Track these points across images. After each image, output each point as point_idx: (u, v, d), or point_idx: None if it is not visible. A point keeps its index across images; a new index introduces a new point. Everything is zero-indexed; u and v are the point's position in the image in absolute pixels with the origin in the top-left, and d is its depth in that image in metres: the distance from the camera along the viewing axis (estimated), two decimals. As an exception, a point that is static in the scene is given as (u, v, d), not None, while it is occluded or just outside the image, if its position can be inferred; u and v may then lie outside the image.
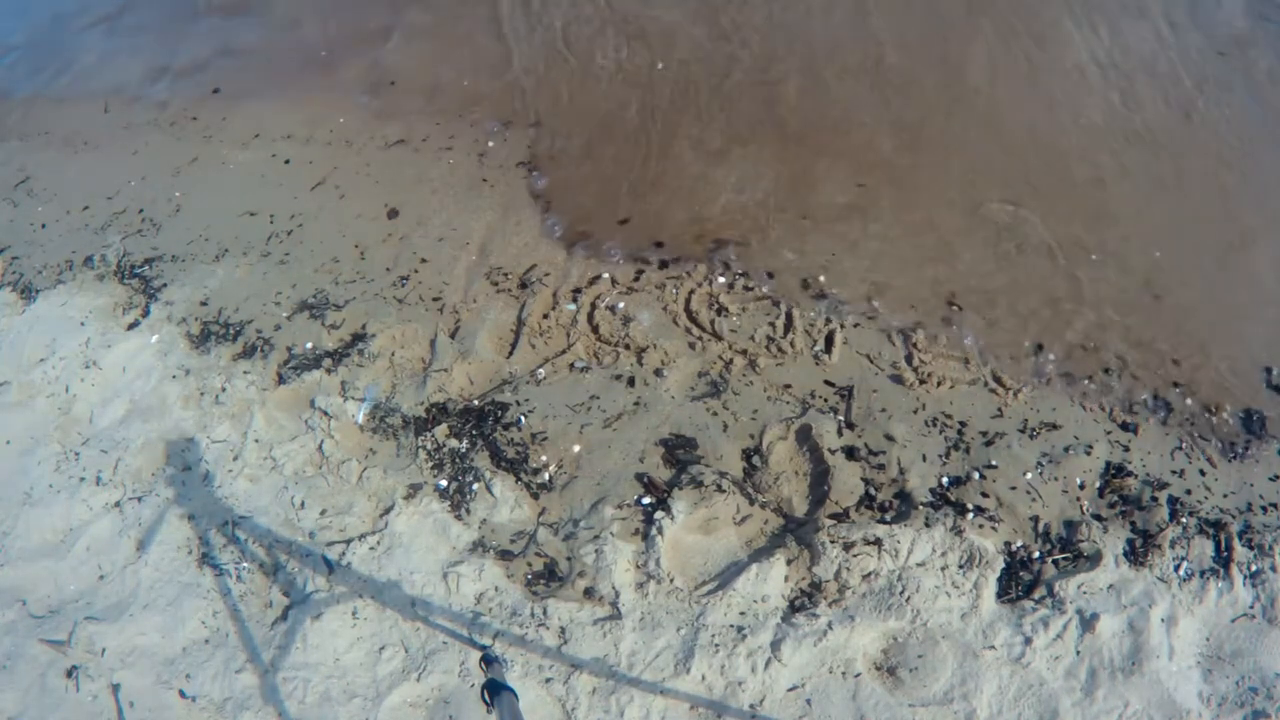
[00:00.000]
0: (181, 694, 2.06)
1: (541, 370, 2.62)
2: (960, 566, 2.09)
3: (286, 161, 3.60)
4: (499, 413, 2.53)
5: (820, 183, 3.16)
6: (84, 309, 3.07)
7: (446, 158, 3.46)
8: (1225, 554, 2.12)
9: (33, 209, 3.72)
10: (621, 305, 2.78)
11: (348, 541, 2.27)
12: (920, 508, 2.21)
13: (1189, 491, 2.25)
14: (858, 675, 1.96)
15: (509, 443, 2.45)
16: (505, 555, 2.22)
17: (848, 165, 3.21)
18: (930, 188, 3.10)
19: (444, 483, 2.38)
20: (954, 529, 2.15)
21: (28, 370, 2.88)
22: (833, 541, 2.13)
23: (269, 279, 3.08)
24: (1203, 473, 2.30)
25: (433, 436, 2.47)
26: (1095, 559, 2.11)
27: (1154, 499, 2.22)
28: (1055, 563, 2.13)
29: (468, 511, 2.32)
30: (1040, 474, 2.28)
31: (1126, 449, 2.35)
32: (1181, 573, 2.09)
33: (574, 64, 3.78)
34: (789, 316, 2.71)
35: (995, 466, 2.30)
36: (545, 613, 2.07)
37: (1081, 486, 2.27)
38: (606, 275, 2.89)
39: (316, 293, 2.98)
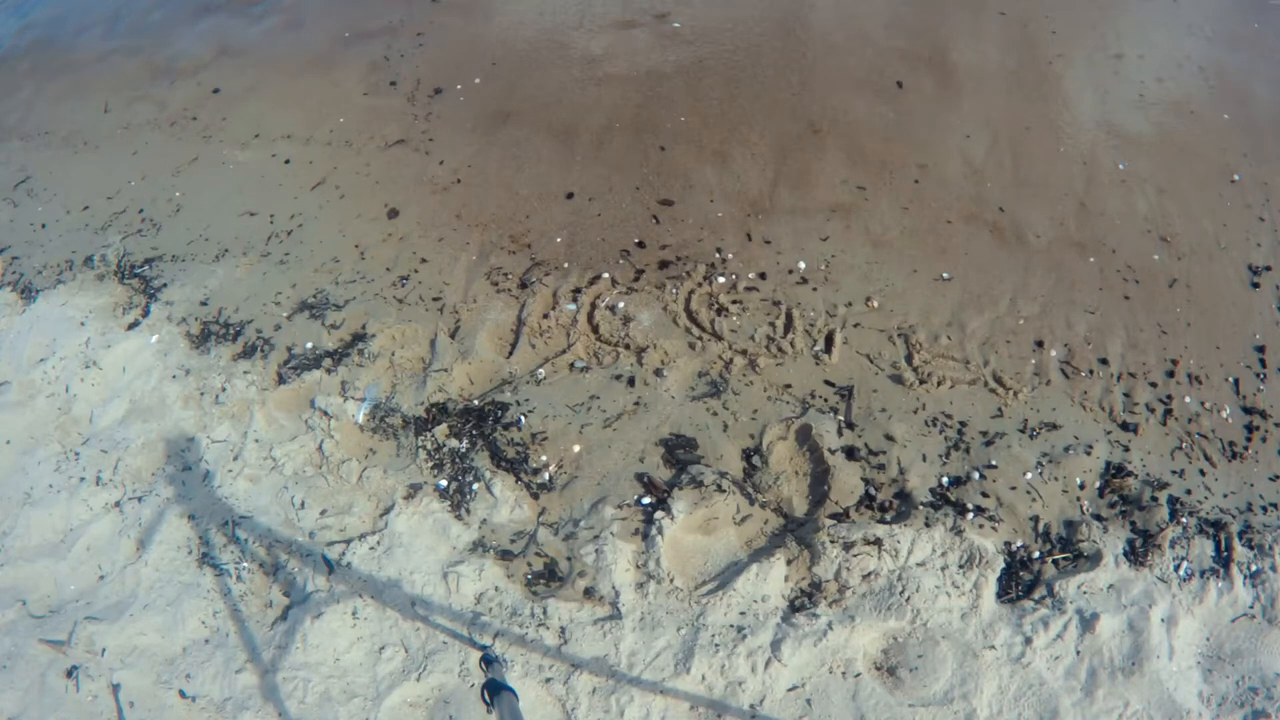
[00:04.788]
0: (181, 694, 2.06)
1: (541, 370, 2.62)
2: (960, 566, 2.09)
3: (286, 161, 3.60)
4: (499, 413, 2.52)
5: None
6: (84, 309, 3.07)
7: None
8: (1225, 554, 2.12)
9: (33, 209, 3.72)
10: (621, 305, 2.78)
11: (348, 541, 2.27)
12: (920, 508, 2.21)
13: (1189, 491, 2.26)
14: (858, 675, 1.96)
15: (509, 443, 2.45)
16: (505, 555, 2.22)
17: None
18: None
19: (444, 483, 2.38)
20: (954, 529, 2.15)
21: (28, 370, 2.88)
22: (833, 541, 2.13)
23: (269, 279, 3.08)
24: (1203, 473, 2.30)
25: (433, 436, 2.47)
26: (1095, 559, 2.11)
27: (1154, 499, 2.22)
28: (1055, 563, 2.13)
29: (468, 511, 2.32)
30: (1040, 474, 2.28)
31: (1126, 449, 2.35)
32: (1181, 573, 2.09)
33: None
34: (789, 316, 2.71)
35: (995, 466, 2.30)
36: (545, 613, 2.07)
37: (1081, 486, 2.27)
38: (606, 275, 2.89)
39: (316, 293, 2.98)
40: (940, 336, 2.64)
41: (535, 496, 2.34)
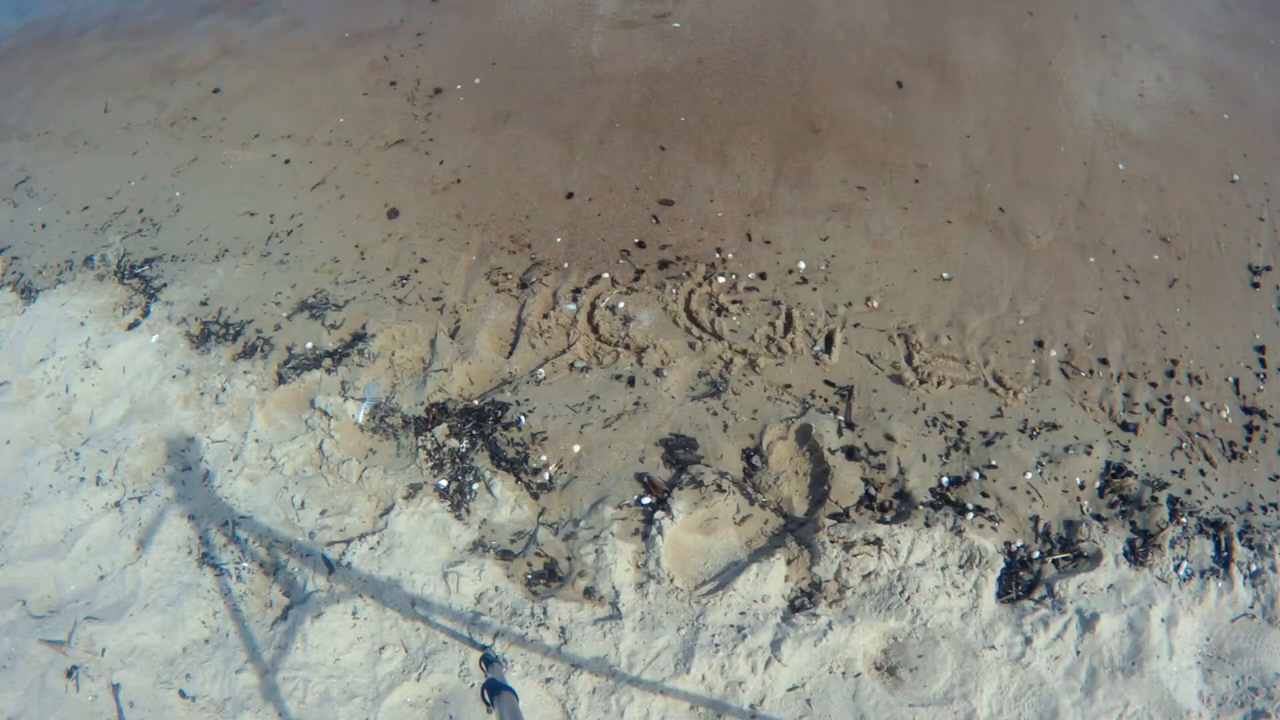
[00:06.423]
0: (181, 694, 2.06)
1: (541, 370, 2.62)
2: (960, 566, 2.09)
3: (286, 161, 3.60)
4: (499, 413, 2.53)
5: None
6: (84, 309, 3.07)
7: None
8: (1225, 554, 2.12)
9: (33, 209, 3.72)
10: (621, 305, 2.78)
11: (348, 541, 2.27)
12: (920, 508, 2.21)
13: (1189, 491, 2.26)
14: (858, 675, 1.96)
15: (509, 443, 2.45)
16: (505, 555, 2.22)
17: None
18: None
19: (444, 483, 2.38)
20: (954, 529, 2.15)
21: (28, 370, 2.88)
22: (833, 541, 2.13)
23: (269, 279, 3.08)
24: (1203, 473, 2.30)
25: (433, 436, 2.47)
26: (1095, 559, 2.11)
27: (1154, 499, 2.22)
28: (1055, 563, 2.13)
29: (468, 511, 2.32)
30: (1040, 474, 2.28)
31: (1126, 449, 2.35)
32: (1181, 573, 2.09)
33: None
34: (789, 316, 2.71)
35: (995, 466, 2.30)
36: (545, 613, 2.07)
37: (1081, 486, 2.27)
38: (606, 275, 2.89)
39: (316, 293, 2.98)
40: (940, 336, 2.64)
41: (535, 496, 2.34)
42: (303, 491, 2.40)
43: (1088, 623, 1.98)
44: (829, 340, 2.63)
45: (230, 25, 4.59)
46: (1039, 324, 2.67)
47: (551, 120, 3.52)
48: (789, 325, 2.69)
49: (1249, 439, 2.38)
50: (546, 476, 2.37)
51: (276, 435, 2.56)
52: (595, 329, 2.73)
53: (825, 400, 2.49)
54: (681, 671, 1.95)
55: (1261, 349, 2.59)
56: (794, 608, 2.06)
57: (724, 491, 2.25)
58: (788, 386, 2.53)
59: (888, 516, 2.22)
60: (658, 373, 2.58)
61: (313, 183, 3.46)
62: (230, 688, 2.05)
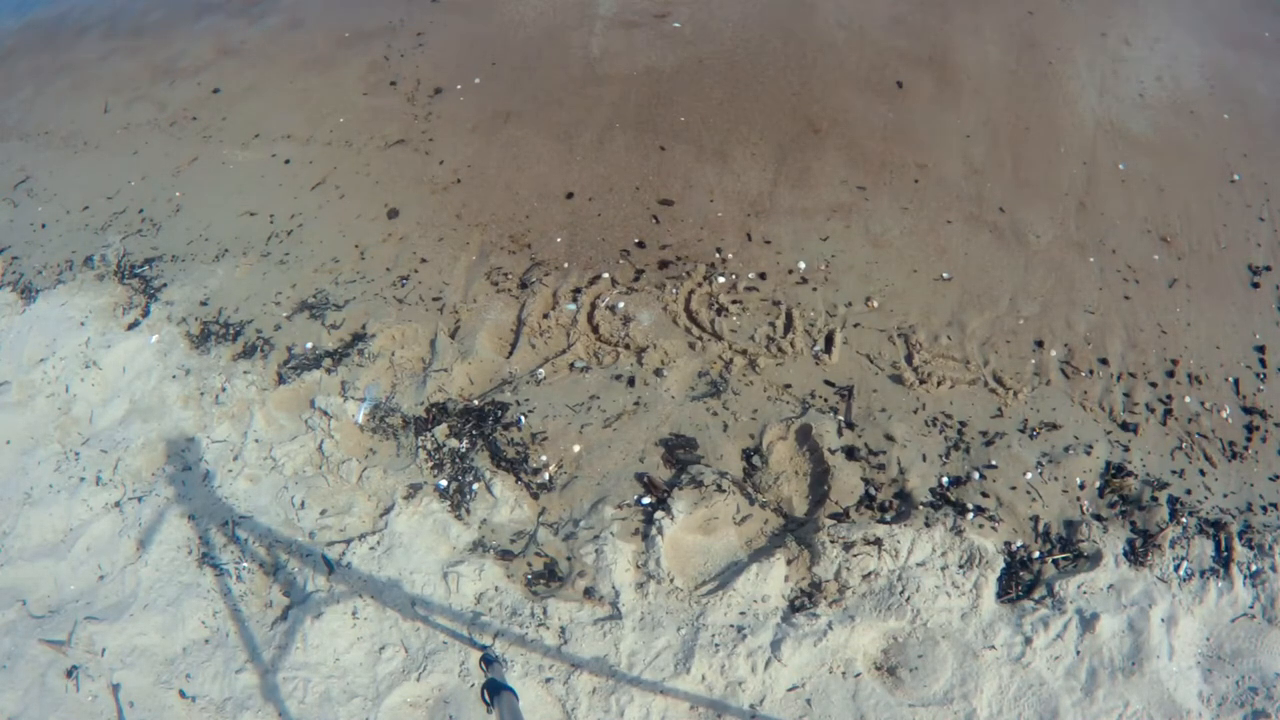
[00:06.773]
0: (181, 694, 2.06)
1: (541, 370, 2.62)
2: (960, 566, 2.09)
3: (286, 161, 3.60)
4: (499, 413, 2.52)
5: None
6: (84, 309, 3.07)
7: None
8: (1225, 554, 2.12)
9: (33, 209, 3.72)
10: (621, 305, 2.78)
11: (348, 541, 2.27)
12: (920, 508, 2.21)
13: (1189, 491, 2.26)
14: (858, 675, 1.96)
15: (509, 443, 2.45)
16: (505, 555, 2.22)
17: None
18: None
19: (444, 483, 2.38)
20: (954, 529, 2.15)
21: (28, 370, 2.88)
22: (833, 541, 2.13)
23: (269, 279, 3.08)
24: (1203, 473, 2.30)
25: (433, 436, 2.47)
26: (1095, 559, 2.11)
27: (1154, 499, 2.22)
28: (1055, 563, 2.13)
29: (468, 511, 2.32)
30: (1040, 474, 2.28)
31: (1126, 449, 2.35)
32: (1181, 573, 2.09)
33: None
34: (789, 316, 2.71)
35: (995, 466, 2.30)
36: (545, 613, 2.07)
37: (1081, 486, 2.27)
38: (606, 275, 2.89)
39: (316, 293, 2.98)
40: (940, 336, 2.64)
41: (535, 496, 2.34)
42: (303, 491, 2.40)
43: (1088, 623, 1.98)
44: (829, 340, 2.63)
45: (230, 25, 4.59)
46: (1039, 324, 2.67)
47: (551, 120, 3.52)
48: (789, 325, 2.69)
49: (1249, 439, 2.38)
50: (546, 476, 2.37)
51: (276, 435, 2.56)
52: (595, 329, 2.73)
53: (825, 400, 2.49)
54: (681, 671, 1.95)
55: (1261, 349, 2.59)
56: (794, 608, 2.06)
57: (724, 491, 2.25)
58: (788, 386, 2.53)
59: (888, 516, 2.22)
60: (658, 373, 2.58)
61: (313, 183, 3.46)
62: (230, 688, 2.05)
